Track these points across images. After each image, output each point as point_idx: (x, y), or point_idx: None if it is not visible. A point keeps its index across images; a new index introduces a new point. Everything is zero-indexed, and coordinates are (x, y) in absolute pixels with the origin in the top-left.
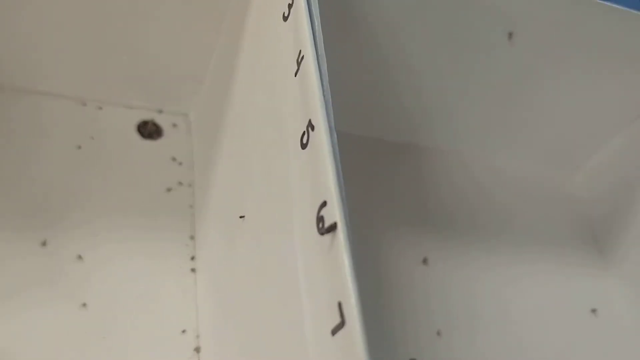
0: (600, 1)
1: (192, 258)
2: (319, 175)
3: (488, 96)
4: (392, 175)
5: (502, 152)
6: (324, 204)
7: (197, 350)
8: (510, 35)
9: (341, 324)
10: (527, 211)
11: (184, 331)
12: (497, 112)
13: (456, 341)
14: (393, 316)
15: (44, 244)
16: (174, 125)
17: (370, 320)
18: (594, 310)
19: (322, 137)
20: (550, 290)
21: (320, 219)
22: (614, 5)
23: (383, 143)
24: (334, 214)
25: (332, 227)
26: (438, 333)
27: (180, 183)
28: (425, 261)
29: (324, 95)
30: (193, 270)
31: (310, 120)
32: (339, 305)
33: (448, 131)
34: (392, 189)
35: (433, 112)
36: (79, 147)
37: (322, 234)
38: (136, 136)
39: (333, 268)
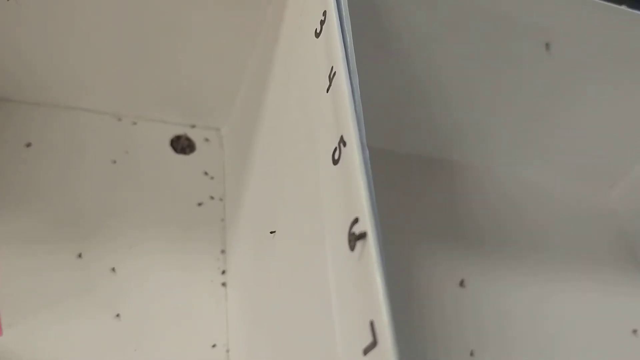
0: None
1: (223, 272)
2: (351, 191)
3: (522, 111)
4: (425, 190)
5: (536, 168)
6: (356, 220)
7: None
8: (547, 46)
9: (373, 344)
10: (563, 228)
11: (214, 345)
12: (531, 127)
13: None
14: (425, 335)
15: (79, 256)
16: (206, 140)
17: (403, 339)
18: (635, 331)
19: (353, 154)
20: (588, 310)
21: (352, 236)
22: None
23: (415, 158)
24: (365, 225)
25: (362, 235)
26: (471, 354)
27: (211, 197)
28: (462, 283)
29: (355, 112)
30: (224, 284)
31: (342, 137)
32: (371, 324)
33: (481, 146)
34: (424, 205)
35: (466, 128)
36: (114, 162)
37: (352, 246)
38: (169, 151)
39: (365, 285)
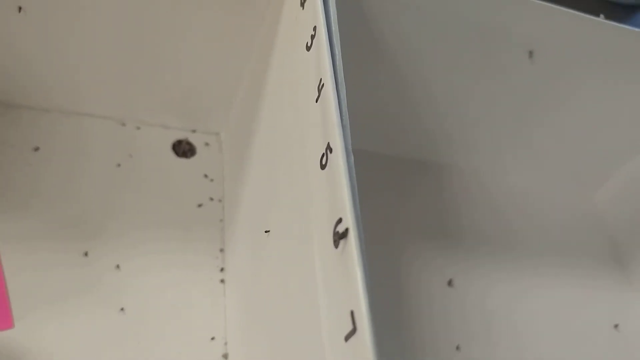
0: (619, 24)
1: (222, 269)
2: (336, 194)
3: (507, 114)
4: (414, 192)
5: (520, 171)
6: (340, 220)
7: (225, 356)
8: (530, 53)
9: (353, 331)
10: (548, 229)
11: (213, 338)
12: (516, 131)
13: (476, 356)
14: (414, 330)
15: (85, 254)
16: (207, 144)
17: (393, 333)
18: (616, 326)
19: (339, 159)
20: (572, 307)
21: (336, 234)
22: (632, 28)
23: (404, 161)
24: (348, 224)
25: (344, 233)
26: (457, 348)
27: (211, 198)
28: (450, 282)
29: (342, 120)
30: (222, 281)
31: (328, 143)
32: (351, 313)
33: (467, 149)
34: (413, 206)
35: (452, 132)
36: (119, 165)
37: (336, 242)
38: (171, 154)
39: (346, 279)
